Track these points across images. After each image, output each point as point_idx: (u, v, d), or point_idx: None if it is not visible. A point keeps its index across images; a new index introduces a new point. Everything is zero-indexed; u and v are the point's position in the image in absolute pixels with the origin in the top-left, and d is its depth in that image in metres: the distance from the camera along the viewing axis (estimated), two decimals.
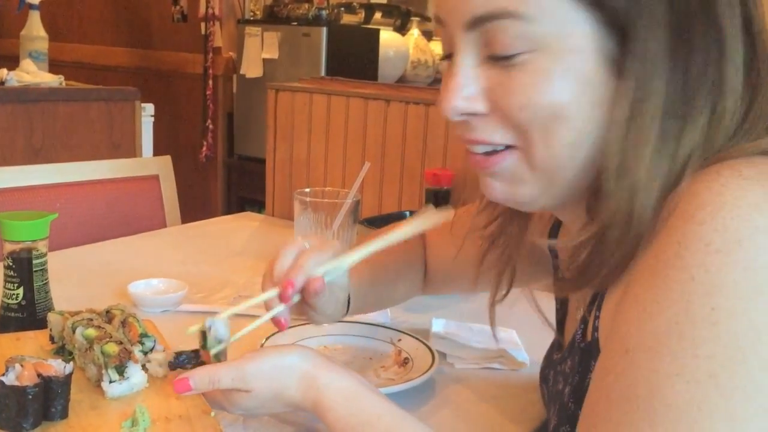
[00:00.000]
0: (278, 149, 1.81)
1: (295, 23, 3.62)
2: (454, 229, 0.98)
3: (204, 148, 3.79)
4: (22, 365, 0.71)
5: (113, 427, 0.70)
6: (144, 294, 1.15)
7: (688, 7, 0.55)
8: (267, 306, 0.78)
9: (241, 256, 1.48)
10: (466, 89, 0.60)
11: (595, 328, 0.63)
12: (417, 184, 1.59)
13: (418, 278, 1.03)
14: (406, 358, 0.98)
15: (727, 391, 0.46)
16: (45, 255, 0.98)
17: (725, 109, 0.56)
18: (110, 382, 0.75)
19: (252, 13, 3.94)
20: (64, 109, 2.36)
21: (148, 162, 1.90)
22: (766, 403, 0.46)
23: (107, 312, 0.87)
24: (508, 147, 0.61)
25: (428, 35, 3.86)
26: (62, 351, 0.85)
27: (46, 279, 0.98)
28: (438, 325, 1.10)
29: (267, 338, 0.98)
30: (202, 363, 0.74)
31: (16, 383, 0.69)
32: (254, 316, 0.77)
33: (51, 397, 0.70)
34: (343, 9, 3.65)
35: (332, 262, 0.78)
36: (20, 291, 0.95)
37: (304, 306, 0.81)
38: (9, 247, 0.94)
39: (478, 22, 0.58)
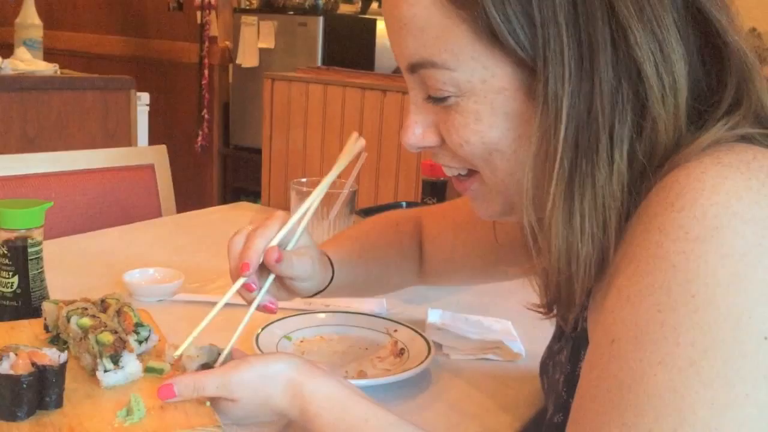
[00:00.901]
0: (274, 139, 1.81)
1: (292, 12, 3.60)
2: (453, 219, 0.98)
3: (199, 138, 3.78)
4: (16, 354, 0.70)
5: (108, 417, 0.70)
6: (139, 283, 1.14)
7: (593, 35, 0.55)
8: (247, 301, 0.80)
9: None
10: (419, 126, 0.66)
11: (584, 319, 0.64)
12: (413, 174, 1.59)
13: (413, 266, 1.03)
14: (402, 349, 0.98)
15: (708, 379, 0.47)
16: (40, 243, 0.97)
17: (655, 126, 0.56)
18: (105, 371, 0.75)
19: (248, 2, 3.93)
20: (58, 98, 2.35)
21: (144, 151, 1.90)
22: (747, 390, 0.47)
23: (102, 301, 0.87)
24: (470, 172, 0.67)
25: None
26: (57, 340, 0.85)
27: (41, 268, 0.98)
28: (434, 316, 1.10)
29: (263, 328, 0.98)
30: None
31: (11, 372, 0.69)
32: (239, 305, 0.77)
33: (46, 386, 0.70)
34: None
35: (282, 230, 0.80)
36: (15, 279, 0.95)
37: (283, 283, 0.83)
38: (4, 236, 0.94)
39: (414, 68, 0.62)
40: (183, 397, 0.70)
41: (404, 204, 1.46)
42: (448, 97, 0.61)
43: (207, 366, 0.74)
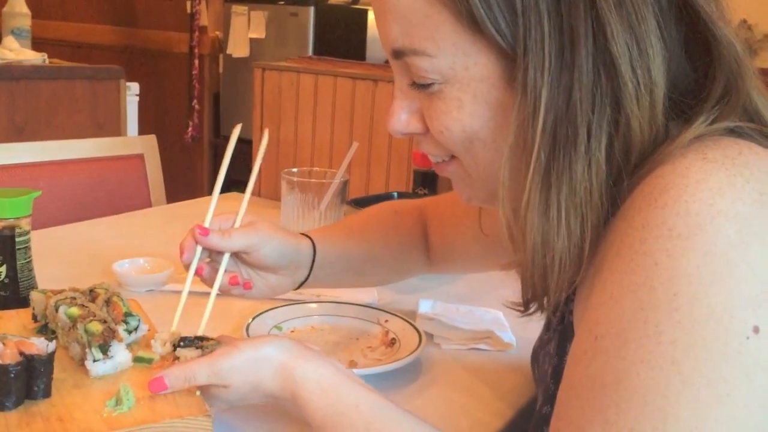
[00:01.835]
0: (265, 129, 1.80)
1: (282, 2, 3.59)
2: (455, 207, 0.98)
3: (190, 129, 3.76)
4: (4, 343, 0.70)
5: (97, 406, 0.69)
6: (129, 273, 1.14)
7: (575, 26, 0.54)
8: (210, 285, 0.82)
9: None
10: (403, 112, 0.66)
11: (570, 311, 0.64)
12: (405, 164, 1.59)
13: (420, 253, 1.02)
14: (393, 339, 0.98)
15: (689, 378, 0.46)
16: (28, 233, 0.96)
17: (629, 123, 0.55)
18: (94, 361, 0.74)
19: None
20: (47, 87, 2.33)
21: (133, 141, 1.88)
22: (728, 390, 0.46)
23: (91, 291, 0.86)
24: (452, 157, 0.67)
25: None
26: (45, 330, 0.84)
27: (29, 257, 0.97)
28: (425, 306, 1.10)
29: (254, 318, 0.97)
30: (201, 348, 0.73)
31: None
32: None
33: (34, 375, 0.69)
34: None
35: (209, 211, 0.83)
36: (3, 269, 0.94)
37: (247, 263, 0.85)
38: None
39: (398, 54, 0.62)
40: (175, 389, 0.69)
41: (396, 195, 1.46)
42: (432, 83, 0.61)
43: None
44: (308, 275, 0.91)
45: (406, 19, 0.59)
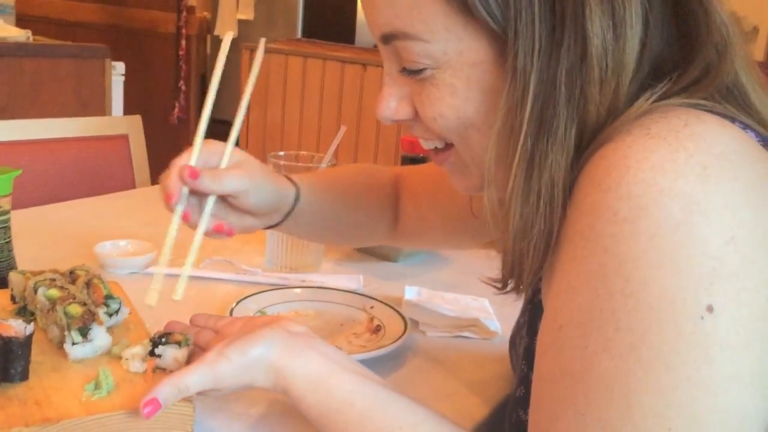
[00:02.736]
0: (252, 112, 1.78)
1: None
2: (433, 178, 0.97)
3: (176, 110, 3.72)
4: None
5: (75, 390, 0.68)
6: (110, 255, 1.12)
7: (566, 8, 0.53)
8: (208, 233, 0.77)
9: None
10: (393, 98, 0.64)
11: (539, 290, 0.64)
12: (392, 150, 1.58)
13: (387, 219, 1.00)
14: (378, 326, 0.97)
15: (648, 364, 0.46)
16: (8, 212, 0.95)
17: (586, 107, 0.54)
18: (73, 344, 0.73)
19: None
20: (31, 65, 2.30)
21: (117, 121, 1.86)
22: (688, 372, 0.46)
23: (71, 272, 0.85)
24: (447, 145, 0.65)
25: None
26: (24, 311, 0.83)
27: (8, 237, 0.95)
28: (411, 293, 1.09)
29: (237, 302, 0.96)
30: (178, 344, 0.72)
31: None
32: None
33: (11, 358, 0.68)
34: None
35: (194, 149, 0.77)
36: None
37: (233, 205, 0.80)
38: None
39: (388, 39, 0.60)
40: (169, 404, 0.65)
41: None
42: (424, 69, 0.59)
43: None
44: (281, 221, 0.88)
45: (396, 2, 0.58)
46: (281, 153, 1.27)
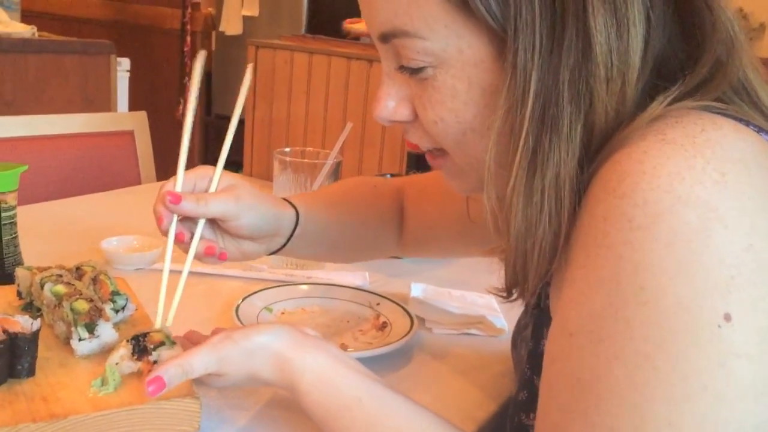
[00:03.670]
0: (257, 108, 1.78)
1: None
2: (436, 188, 0.96)
3: (181, 106, 3.72)
4: None
5: (82, 386, 0.68)
6: (117, 251, 1.12)
7: (566, 4, 0.52)
8: (197, 258, 0.77)
9: None
10: (391, 99, 0.63)
11: (546, 295, 0.63)
12: (398, 146, 1.57)
13: (393, 232, 1.00)
14: (384, 323, 0.97)
15: (664, 373, 0.45)
16: (14, 208, 0.95)
17: (594, 107, 0.53)
18: (80, 340, 0.73)
19: None
20: (36, 61, 2.30)
21: (123, 117, 1.86)
22: (703, 381, 0.45)
23: (77, 268, 0.84)
24: (443, 149, 0.64)
25: None
26: (30, 307, 0.82)
27: (15, 233, 0.95)
28: (417, 290, 1.09)
29: (243, 299, 0.96)
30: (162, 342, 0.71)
31: None
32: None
33: (17, 354, 0.68)
34: None
35: (179, 173, 0.78)
36: None
37: (223, 230, 0.79)
38: None
39: (386, 37, 0.59)
40: (173, 385, 0.65)
41: (389, 176, 1.44)
42: (424, 68, 0.58)
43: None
44: (284, 245, 0.87)
45: (395, 0, 0.57)
46: (287, 149, 1.27)
